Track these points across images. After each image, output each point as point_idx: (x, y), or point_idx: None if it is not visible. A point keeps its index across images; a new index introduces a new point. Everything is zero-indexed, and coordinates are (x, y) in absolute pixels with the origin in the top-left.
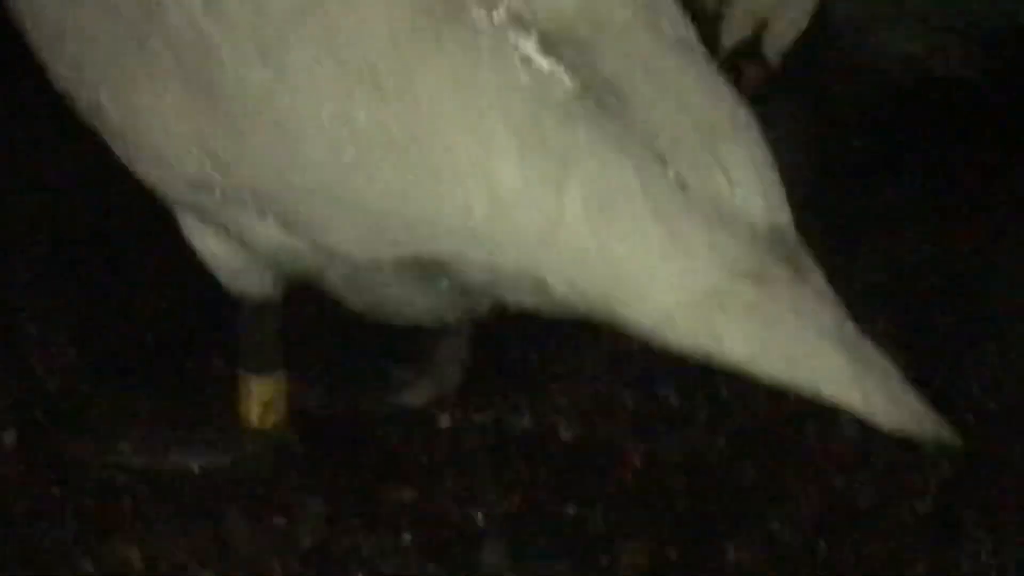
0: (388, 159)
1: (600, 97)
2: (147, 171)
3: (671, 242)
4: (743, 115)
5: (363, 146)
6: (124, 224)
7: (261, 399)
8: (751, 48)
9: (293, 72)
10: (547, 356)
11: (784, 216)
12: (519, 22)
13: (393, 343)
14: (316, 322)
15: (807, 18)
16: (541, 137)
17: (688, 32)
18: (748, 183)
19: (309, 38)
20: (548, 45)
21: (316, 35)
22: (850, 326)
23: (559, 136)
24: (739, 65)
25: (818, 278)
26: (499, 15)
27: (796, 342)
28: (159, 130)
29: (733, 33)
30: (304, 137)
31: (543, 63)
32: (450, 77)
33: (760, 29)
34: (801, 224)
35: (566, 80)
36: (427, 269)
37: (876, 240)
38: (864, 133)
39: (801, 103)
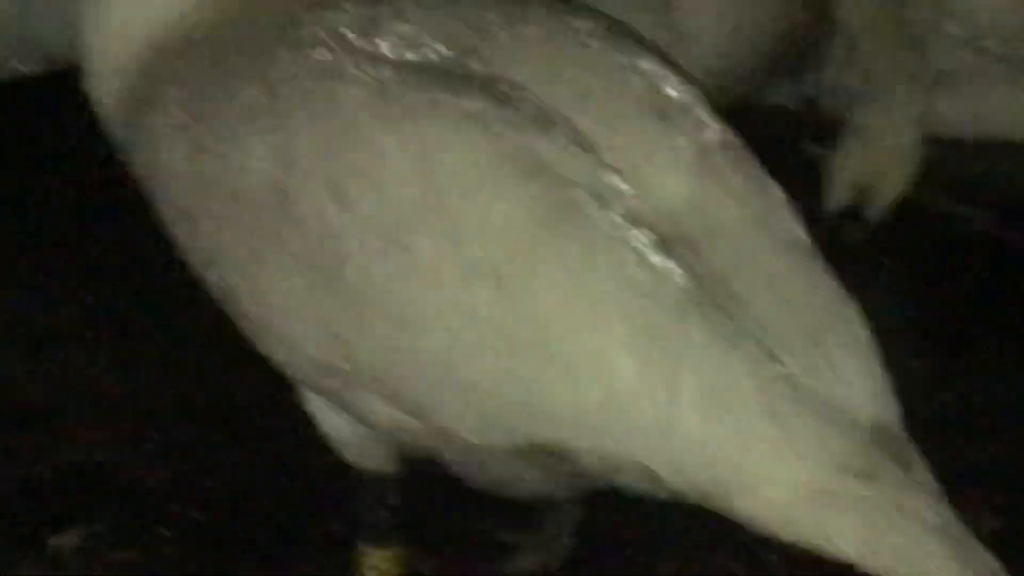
0: (506, 350)
1: (713, 294)
2: (273, 351)
3: (782, 439)
4: (851, 313)
5: (482, 337)
6: (248, 399)
7: (379, 569)
8: (852, 209)
9: (416, 265)
10: (653, 529)
11: (892, 413)
12: (634, 219)
13: (507, 510)
14: (432, 488)
15: (910, 183)
16: (656, 333)
17: (798, 231)
18: (857, 381)
19: (432, 231)
20: (662, 242)
21: (438, 229)
22: (955, 521)
23: (673, 332)
24: (839, 224)
25: (924, 472)
26: (615, 213)
27: (903, 539)
28: (286, 314)
29: (836, 197)
30: (425, 326)
31: (658, 260)
32: (568, 272)
33: (863, 193)
34: (905, 405)
35: (680, 277)
36: (540, 454)
37: (981, 422)
38: (961, 294)
39: (899, 261)
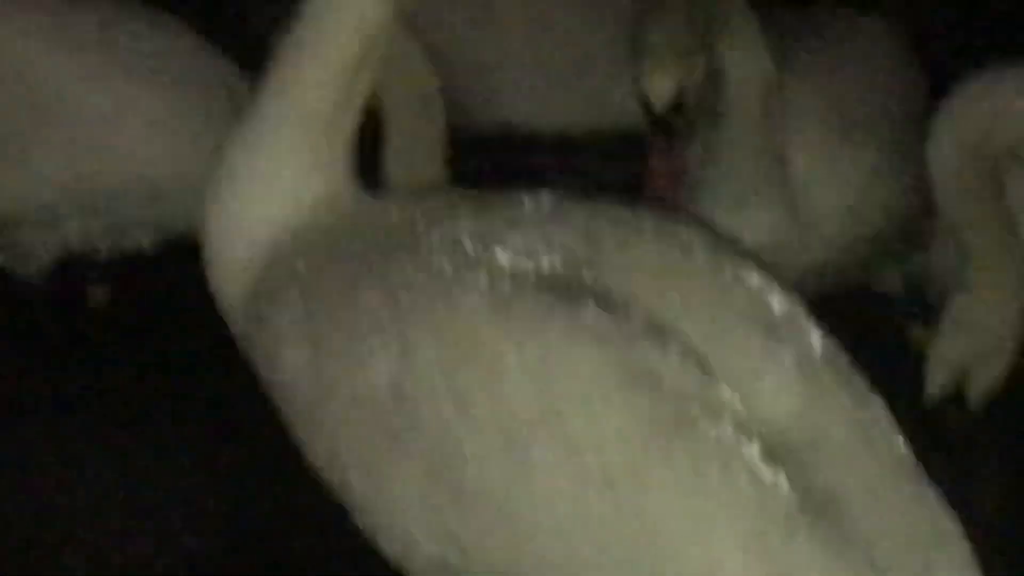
0: (618, 560)
1: (820, 508)
2: (389, 545)
3: None
4: (953, 531)
5: (595, 546)
6: None
7: None
8: (954, 394)
9: (533, 471)
10: None
11: None
12: (743, 432)
13: None
14: None
15: (1008, 367)
16: (765, 546)
17: (901, 448)
18: None
19: (549, 441)
20: (770, 455)
21: (556, 438)
22: None
23: (782, 546)
24: (943, 410)
25: None
26: (725, 426)
27: None
28: (404, 512)
29: (937, 382)
30: (539, 532)
31: (766, 473)
32: (680, 485)
33: (962, 376)
34: None
35: (788, 490)
36: None
37: None
38: None
39: (1004, 450)
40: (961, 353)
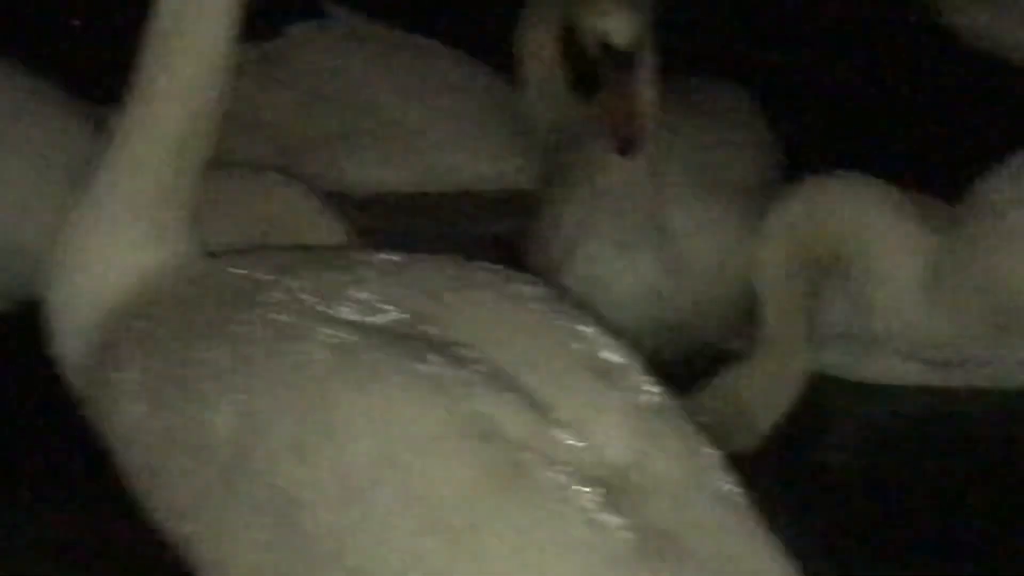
0: None
1: (658, 549)
2: None
3: None
4: (781, 566)
5: None
6: None
7: None
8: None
9: (371, 520)
10: None
11: None
12: (579, 478)
13: None
14: None
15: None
16: None
17: (732, 490)
18: None
19: (388, 489)
20: (607, 500)
21: (394, 485)
22: None
23: None
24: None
25: None
26: (563, 472)
27: None
28: (245, 564)
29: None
30: None
31: (603, 517)
32: (515, 533)
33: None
34: None
35: (626, 533)
36: None
37: None
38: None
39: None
40: (715, 412)
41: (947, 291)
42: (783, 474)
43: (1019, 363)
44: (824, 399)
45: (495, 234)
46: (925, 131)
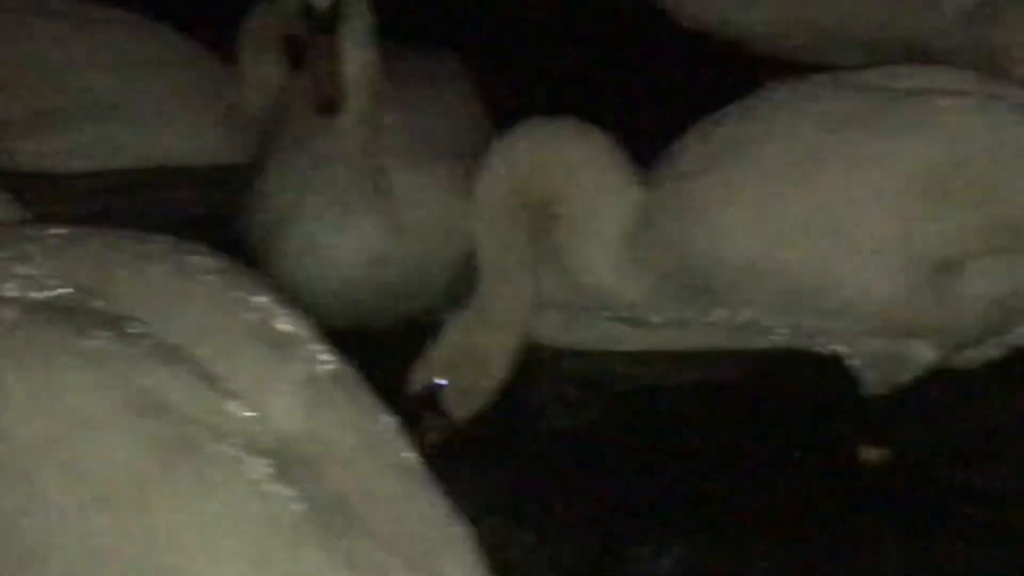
0: None
1: (330, 516)
2: None
3: None
4: (456, 529)
5: (101, 568)
6: None
7: None
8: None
9: (38, 499)
10: None
11: None
12: (252, 449)
13: None
14: None
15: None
16: (271, 559)
17: (408, 457)
18: None
19: (54, 466)
20: (279, 469)
21: (61, 463)
22: None
23: (287, 559)
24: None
25: None
26: (232, 445)
27: None
28: None
29: (416, 381)
30: (48, 560)
31: (272, 488)
32: (184, 506)
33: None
34: None
35: (295, 503)
36: None
37: None
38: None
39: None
40: (449, 364)
41: (639, 249)
42: (498, 443)
43: (708, 325)
44: (540, 365)
45: (205, 209)
46: (638, 103)
